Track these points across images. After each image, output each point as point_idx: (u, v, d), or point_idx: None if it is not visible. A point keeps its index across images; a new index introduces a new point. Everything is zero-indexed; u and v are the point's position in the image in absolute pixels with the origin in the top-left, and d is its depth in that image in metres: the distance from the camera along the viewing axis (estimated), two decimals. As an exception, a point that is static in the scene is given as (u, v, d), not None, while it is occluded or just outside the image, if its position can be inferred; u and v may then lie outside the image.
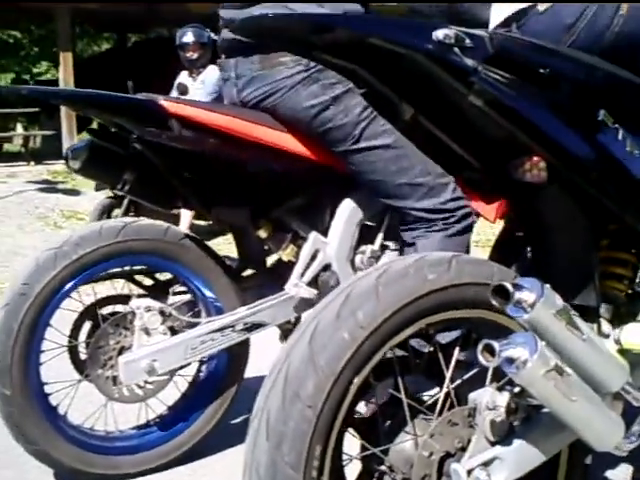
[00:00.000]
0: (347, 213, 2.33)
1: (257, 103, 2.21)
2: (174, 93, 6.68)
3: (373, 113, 2.11)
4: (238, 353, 2.59)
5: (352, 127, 2.12)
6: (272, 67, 2.14)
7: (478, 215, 2.28)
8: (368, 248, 2.35)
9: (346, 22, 1.48)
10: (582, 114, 1.45)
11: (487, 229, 6.39)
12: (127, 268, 2.60)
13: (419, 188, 2.13)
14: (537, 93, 1.40)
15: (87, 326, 2.52)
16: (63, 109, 11.05)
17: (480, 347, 1.25)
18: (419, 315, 1.38)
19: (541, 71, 1.41)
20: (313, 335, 1.30)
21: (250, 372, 2.68)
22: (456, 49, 1.31)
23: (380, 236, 2.32)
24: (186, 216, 6.35)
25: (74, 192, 9.72)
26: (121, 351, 2.42)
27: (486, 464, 1.34)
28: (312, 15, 1.88)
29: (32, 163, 11.44)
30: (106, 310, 2.51)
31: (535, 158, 1.48)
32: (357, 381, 1.32)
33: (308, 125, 2.16)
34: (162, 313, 2.42)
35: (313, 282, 2.32)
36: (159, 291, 2.63)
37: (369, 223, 2.35)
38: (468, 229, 2.13)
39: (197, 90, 6.83)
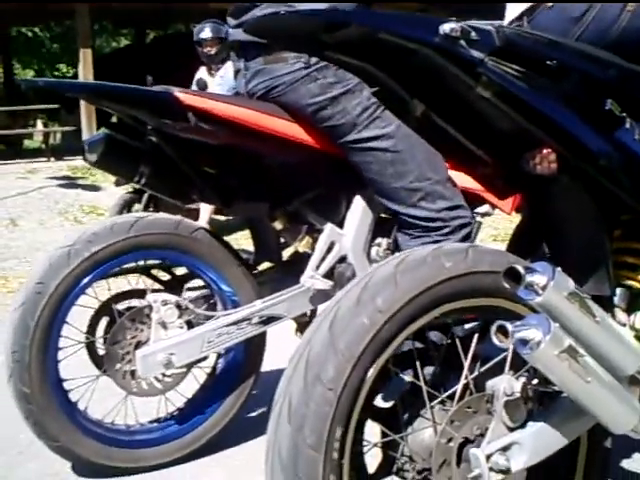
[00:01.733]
0: (363, 205, 2.32)
1: (261, 96, 2.23)
2: (194, 89, 6.69)
3: (372, 116, 2.12)
4: (255, 345, 2.59)
5: (350, 128, 2.13)
6: (274, 62, 2.17)
7: (494, 207, 2.28)
8: (384, 240, 2.34)
9: (355, 17, 1.48)
10: (589, 104, 1.46)
11: (506, 223, 6.38)
12: (142, 263, 2.60)
13: (415, 193, 2.13)
14: (544, 84, 1.41)
15: (104, 322, 2.52)
16: (83, 105, 11.10)
17: (494, 328, 1.27)
18: (436, 302, 1.41)
19: (548, 63, 1.42)
20: (333, 320, 1.34)
21: (266, 365, 2.69)
22: (462, 42, 1.33)
23: (396, 228, 2.31)
24: (205, 211, 6.37)
25: (94, 188, 9.78)
26: (138, 345, 2.43)
27: (505, 449, 1.35)
28: (321, 12, 1.89)
29: (52, 159, 11.50)
30: (122, 305, 2.51)
31: (545, 150, 1.49)
32: (376, 365, 1.35)
33: (311, 119, 2.17)
34: (178, 307, 2.43)
35: (329, 274, 2.32)
36: (175, 285, 2.63)
37: (385, 215, 2.34)
38: (464, 241, 2.13)
39: (217, 86, 6.84)
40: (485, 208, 2.31)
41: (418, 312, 1.39)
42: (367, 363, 1.33)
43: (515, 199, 2.19)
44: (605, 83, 1.49)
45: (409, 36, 1.35)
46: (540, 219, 1.82)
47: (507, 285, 1.28)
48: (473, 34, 1.34)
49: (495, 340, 1.27)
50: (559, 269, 1.27)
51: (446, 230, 2.12)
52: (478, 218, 2.34)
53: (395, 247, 2.32)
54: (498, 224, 6.79)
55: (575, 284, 1.29)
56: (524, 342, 1.24)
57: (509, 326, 1.25)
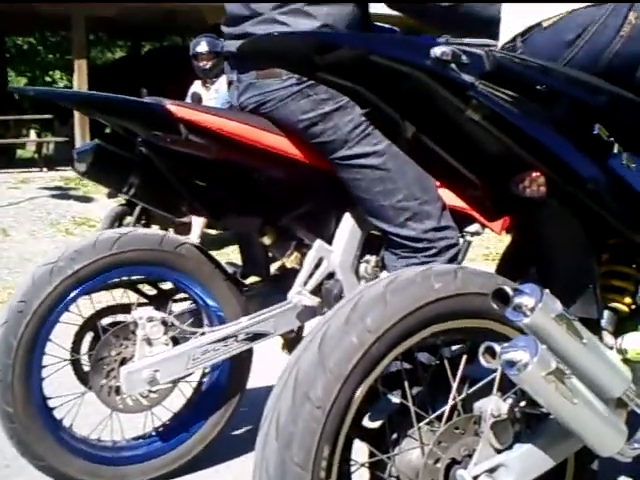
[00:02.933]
0: (352, 222, 2.32)
1: (253, 110, 2.22)
2: (187, 102, 6.69)
3: (363, 133, 2.12)
4: (242, 361, 2.57)
5: (340, 144, 2.14)
6: (266, 77, 2.17)
7: (484, 227, 2.27)
8: (373, 257, 2.34)
9: (346, 40, 1.50)
10: (578, 129, 1.47)
11: (497, 243, 6.39)
12: (127, 278, 2.57)
13: (402, 213, 2.13)
14: (534, 109, 1.42)
15: (88, 338, 2.50)
16: (76, 116, 11.12)
17: (482, 349, 1.29)
18: (425, 322, 1.42)
19: (537, 87, 1.43)
20: (323, 339, 1.36)
21: (253, 381, 2.67)
22: (453, 65, 1.34)
23: (384, 246, 2.29)
24: (197, 224, 6.37)
25: (86, 199, 9.76)
26: (123, 362, 2.40)
27: (492, 471, 1.36)
28: (313, 34, 1.91)
29: (45, 169, 11.49)
30: (106, 320, 2.49)
31: (534, 174, 1.50)
32: (365, 385, 1.36)
33: (302, 135, 2.16)
34: (164, 323, 2.39)
35: (316, 290, 2.31)
36: (161, 299, 2.61)
37: (374, 233, 2.33)
38: (450, 262, 2.12)
39: (211, 100, 6.87)
40: (475, 227, 2.31)
41: (407, 332, 1.40)
42: (356, 382, 1.35)
43: (505, 219, 2.18)
44: (594, 109, 1.50)
45: (400, 59, 1.36)
46: (528, 241, 1.84)
47: (495, 306, 1.30)
48: (464, 58, 1.35)
49: (483, 361, 1.29)
50: (547, 291, 1.28)
51: (432, 251, 2.12)
52: (468, 237, 2.33)
53: (384, 265, 2.31)
54: (489, 243, 6.80)
55: (563, 306, 1.30)
56: (511, 364, 1.25)
57: (497, 347, 1.27)
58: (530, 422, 1.44)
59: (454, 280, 1.45)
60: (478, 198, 1.92)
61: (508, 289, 1.29)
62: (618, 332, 1.59)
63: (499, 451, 1.38)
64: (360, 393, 1.35)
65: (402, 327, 1.38)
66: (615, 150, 1.47)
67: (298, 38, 1.53)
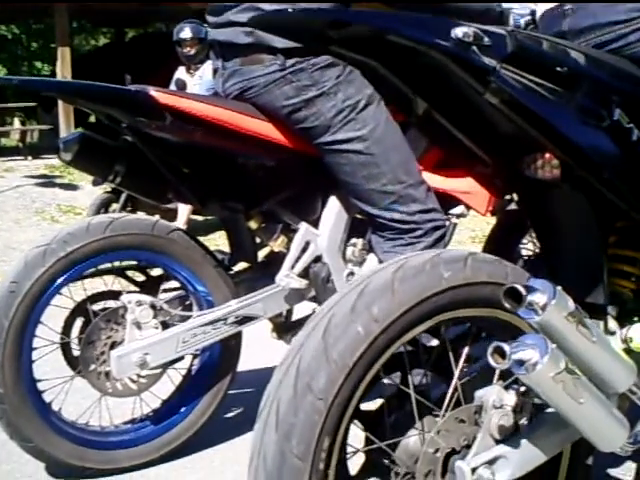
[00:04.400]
0: (338, 205, 2.33)
1: (237, 96, 2.23)
2: (172, 88, 6.67)
3: (346, 118, 2.13)
4: (231, 345, 2.59)
5: (324, 130, 2.15)
6: (250, 63, 2.17)
7: (469, 208, 2.29)
8: (359, 240, 2.35)
9: (365, 19, 1.44)
10: (598, 113, 1.44)
11: (483, 224, 6.41)
12: (117, 263, 2.59)
13: (387, 196, 2.14)
14: (554, 92, 1.39)
15: (79, 322, 2.51)
16: (60, 104, 11.02)
17: (490, 349, 1.24)
18: (434, 312, 1.38)
19: (559, 69, 1.40)
20: (327, 328, 1.30)
21: (243, 365, 2.68)
22: (474, 47, 1.30)
23: (370, 229, 2.31)
24: (183, 211, 6.35)
25: (71, 187, 9.70)
26: (113, 346, 2.42)
27: (490, 462, 1.33)
28: (329, 10, 1.89)
29: (29, 158, 11.37)
30: (97, 306, 2.50)
31: (548, 155, 1.47)
32: (369, 375, 1.32)
33: (286, 121, 2.18)
34: (153, 307, 2.41)
35: (304, 273, 2.33)
36: (150, 286, 2.62)
37: (360, 216, 2.35)
38: (437, 243, 2.14)
39: (195, 86, 6.84)
40: (460, 209, 2.33)
41: (415, 321, 1.36)
42: (360, 374, 1.30)
43: (490, 201, 2.20)
44: (616, 93, 1.46)
45: (419, 39, 1.32)
46: (535, 224, 1.80)
47: (507, 305, 1.26)
48: (486, 39, 1.31)
49: (492, 361, 1.24)
50: (559, 288, 1.25)
51: (419, 232, 2.14)
52: (454, 219, 2.35)
53: (370, 247, 2.33)
54: (475, 225, 6.82)
55: (571, 296, 1.27)
56: (520, 363, 1.23)
57: (507, 347, 1.23)
58: (530, 413, 1.40)
59: (464, 268, 1.40)
60: (485, 177, 1.91)
61: (520, 287, 1.24)
62: (622, 317, 1.57)
63: (498, 442, 1.35)
64: (364, 384, 1.32)
65: (410, 316, 1.34)
66: (635, 137, 1.44)
67: (313, 13, 1.50)
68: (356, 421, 1.40)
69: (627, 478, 2.28)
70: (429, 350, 1.50)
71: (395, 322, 1.32)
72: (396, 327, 1.33)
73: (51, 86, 2.71)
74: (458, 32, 1.28)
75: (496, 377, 1.39)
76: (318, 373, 1.27)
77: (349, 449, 1.43)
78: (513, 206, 2.78)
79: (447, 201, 2.24)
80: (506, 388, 1.38)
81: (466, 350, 1.43)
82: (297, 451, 1.26)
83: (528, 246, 3.27)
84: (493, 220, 3.13)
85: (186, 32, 7.03)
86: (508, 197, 2.44)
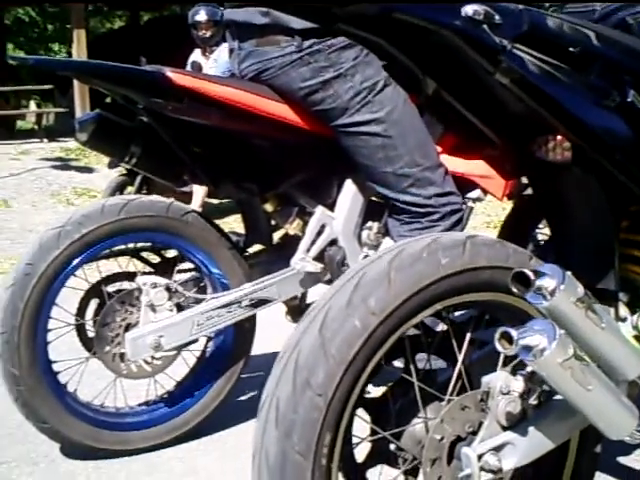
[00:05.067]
0: (354, 188, 2.32)
1: (253, 77, 2.22)
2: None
3: (364, 100, 2.11)
4: (245, 328, 2.58)
5: (341, 112, 2.13)
6: (266, 44, 2.16)
7: (486, 192, 2.27)
8: (375, 224, 2.34)
9: None
10: (612, 95, 1.41)
11: (499, 209, 6.37)
12: (132, 245, 2.59)
13: (404, 179, 2.12)
14: (567, 72, 1.36)
15: (93, 304, 2.51)
16: (76, 86, 11.03)
17: (497, 335, 1.22)
18: (432, 300, 1.35)
19: (571, 49, 1.37)
20: (324, 322, 1.28)
21: (257, 348, 2.69)
22: (485, 26, 1.27)
23: (387, 212, 2.30)
24: (198, 194, 6.35)
25: (87, 169, 9.73)
26: (128, 328, 2.42)
27: (497, 449, 1.31)
28: None
29: (45, 140, 11.41)
30: (112, 288, 2.50)
31: (559, 137, 1.45)
32: (368, 368, 1.30)
33: (302, 103, 2.16)
34: (168, 289, 2.41)
35: (319, 257, 2.32)
36: (165, 268, 2.61)
37: (376, 199, 2.33)
38: (454, 227, 2.12)
39: (211, 68, 6.82)
40: (477, 193, 2.31)
41: (413, 311, 1.33)
42: (359, 366, 1.28)
43: (507, 185, 2.18)
44: (630, 73, 1.43)
45: (429, 18, 1.29)
46: (545, 207, 1.78)
47: (515, 290, 1.23)
48: (497, 17, 1.28)
49: (499, 347, 1.22)
50: (569, 273, 1.22)
51: (436, 216, 2.12)
52: (470, 204, 2.34)
53: (386, 231, 2.31)
54: (491, 210, 6.79)
55: (581, 281, 1.24)
56: (528, 349, 1.20)
57: (514, 333, 1.20)
58: (538, 399, 1.37)
59: (462, 254, 1.36)
60: (495, 159, 1.88)
61: (529, 272, 1.21)
62: (634, 303, 1.55)
63: (505, 428, 1.33)
64: (363, 377, 1.29)
65: (408, 307, 1.31)
66: None
67: None
68: (360, 410, 1.38)
69: (636, 466, 2.26)
70: (433, 334, 1.47)
71: (393, 313, 1.29)
72: (394, 318, 1.30)
73: (67, 66, 2.71)
74: (468, 10, 1.26)
75: (501, 362, 1.36)
76: (316, 369, 1.25)
77: (354, 439, 1.41)
78: (529, 191, 2.75)
79: (464, 185, 2.22)
80: (513, 374, 1.35)
81: (469, 335, 1.41)
82: (299, 448, 1.24)
83: (545, 231, 3.25)
84: (509, 205, 3.11)
85: (201, 15, 7.00)
86: (525, 181, 2.42)
